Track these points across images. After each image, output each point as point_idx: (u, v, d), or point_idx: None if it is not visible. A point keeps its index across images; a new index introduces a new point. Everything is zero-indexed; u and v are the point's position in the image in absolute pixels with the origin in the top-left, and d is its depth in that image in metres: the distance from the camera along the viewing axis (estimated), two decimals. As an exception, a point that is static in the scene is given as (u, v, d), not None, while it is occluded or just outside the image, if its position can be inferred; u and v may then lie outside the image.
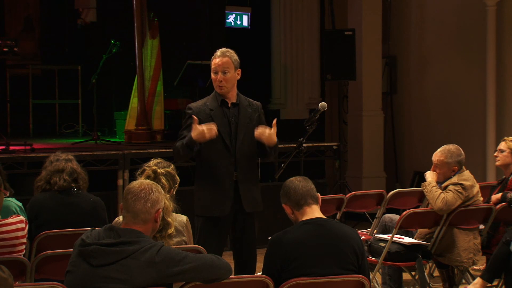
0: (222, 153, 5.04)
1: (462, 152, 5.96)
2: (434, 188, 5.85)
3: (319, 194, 4.00)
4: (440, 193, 5.79)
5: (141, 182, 3.59)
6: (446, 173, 5.93)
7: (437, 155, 5.98)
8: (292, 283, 3.72)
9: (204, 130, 4.89)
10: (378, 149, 10.72)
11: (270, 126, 5.12)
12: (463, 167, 5.94)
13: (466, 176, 5.89)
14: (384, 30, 10.83)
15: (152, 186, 3.56)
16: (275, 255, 3.81)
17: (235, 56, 5.15)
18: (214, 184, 5.09)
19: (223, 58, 5.11)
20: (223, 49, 5.17)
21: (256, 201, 5.19)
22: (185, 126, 5.13)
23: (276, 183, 7.87)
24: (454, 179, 5.85)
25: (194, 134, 4.91)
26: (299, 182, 3.96)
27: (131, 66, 9.90)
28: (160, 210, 3.58)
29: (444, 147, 5.99)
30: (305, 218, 3.88)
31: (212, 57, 5.16)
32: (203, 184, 5.15)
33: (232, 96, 5.16)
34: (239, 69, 5.16)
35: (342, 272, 3.77)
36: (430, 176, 5.99)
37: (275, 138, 5.07)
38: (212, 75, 5.14)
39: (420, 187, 6.06)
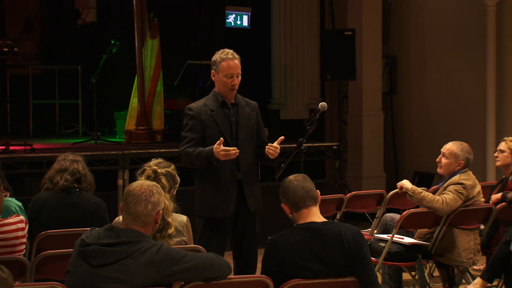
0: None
1: (473, 153, 5.96)
2: (423, 192, 5.82)
3: (318, 191, 3.98)
4: (434, 196, 5.78)
5: (141, 184, 3.59)
6: (451, 165, 5.91)
7: (448, 145, 5.97)
8: (292, 283, 3.73)
9: (227, 153, 4.88)
10: (378, 149, 10.72)
11: (267, 125, 5.14)
12: (467, 168, 5.93)
13: (468, 176, 5.88)
14: (384, 30, 10.83)
15: (152, 188, 3.56)
16: (272, 259, 3.81)
17: (239, 58, 5.18)
18: (218, 184, 5.09)
19: (236, 61, 5.11)
20: (230, 50, 5.15)
21: (258, 200, 5.20)
22: (188, 128, 5.11)
23: (276, 183, 7.86)
24: (456, 178, 5.84)
25: (219, 154, 4.88)
26: (298, 183, 3.92)
27: (131, 66, 9.90)
28: (161, 211, 3.58)
29: (457, 141, 5.99)
30: (302, 221, 3.87)
31: (220, 59, 5.11)
32: (206, 185, 5.14)
33: (232, 97, 5.17)
34: None
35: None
36: (406, 183, 5.96)
37: (279, 151, 5.11)
38: (223, 79, 5.09)
39: (420, 187, 6.04)
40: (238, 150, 4.92)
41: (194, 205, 5.18)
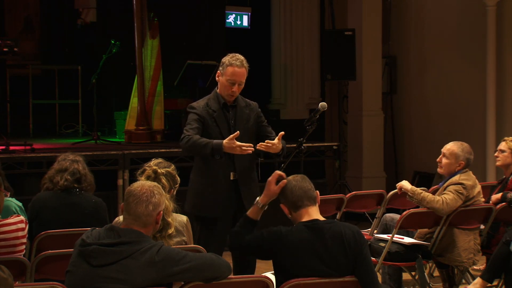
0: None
1: (473, 153, 5.96)
2: (423, 193, 5.81)
3: (317, 192, 3.98)
4: (434, 196, 5.77)
5: (142, 184, 3.59)
6: (452, 165, 5.90)
7: (449, 145, 5.96)
8: (292, 284, 3.73)
9: (239, 148, 4.84)
10: (378, 149, 10.72)
11: (270, 122, 5.16)
12: (467, 168, 5.93)
13: (468, 176, 5.88)
14: (384, 30, 10.83)
15: (153, 189, 3.56)
16: (270, 244, 3.82)
17: (248, 66, 5.16)
18: (214, 184, 5.10)
19: (242, 69, 5.10)
20: (241, 57, 5.14)
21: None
22: (192, 119, 5.08)
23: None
24: (456, 178, 5.83)
25: (236, 144, 4.84)
26: (296, 183, 3.94)
27: (131, 66, 9.90)
28: (161, 212, 3.58)
29: (457, 141, 5.98)
30: (302, 220, 3.88)
31: (229, 62, 5.11)
32: (203, 185, 5.14)
33: (232, 99, 5.18)
34: None
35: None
36: (406, 183, 5.95)
37: (280, 147, 5.07)
38: (226, 83, 5.11)
39: (420, 187, 6.04)
40: (253, 148, 4.89)
41: (191, 204, 5.18)
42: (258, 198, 4.03)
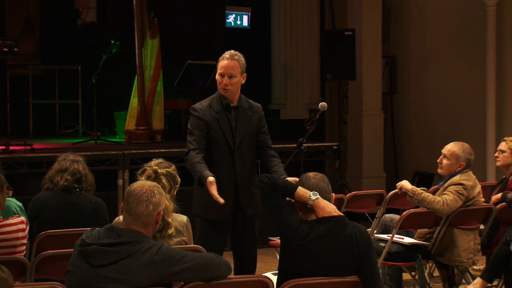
0: (223, 156, 5.04)
1: (473, 153, 5.95)
2: (423, 193, 5.80)
3: (333, 194, 3.99)
4: (434, 197, 5.77)
5: (142, 184, 3.58)
6: (452, 166, 5.89)
7: (449, 146, 5.95)
8: (292, 284, 3.73)
9: (216, 198, 4.75)
10: (378, 149, 10.72)
11: (270, 122, 5.14)
12: (468, 168, 5.92)
13: (469, 177, 5.87)
14: (384, 30, 10.83)
15: (153, 189, 3.56)
16: (285, 231, 3.90)
17: (243, 60, 5.09)
18: (218, 187, 5.06)
19: (231, 61, 5.04)
20: (232, 51, 5.10)
21: (256, 204, 5.16)
22: (193, 128, 5.04)
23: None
24: (456, 178, 5.83)
25: (211, 189, 4.76)
26: (315, 181, 3.95)
27: (131, 66, 9.90)
28: (161, 212, 3.58)
29: (458, 142, 5.98)
30: (310, 218, 3.88)
31: (220, 58, 5.09)
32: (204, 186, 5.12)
33: (235, 99, 5.14)
34: (245, 73, 5.13)
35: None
36: (406, 183, 5.94)
37: None
38: (218, 77, 5.08)
39: (420, 187, 6.04)
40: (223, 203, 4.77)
41: (192, 204, 5.17)
42: (317, 196, 3.91)
